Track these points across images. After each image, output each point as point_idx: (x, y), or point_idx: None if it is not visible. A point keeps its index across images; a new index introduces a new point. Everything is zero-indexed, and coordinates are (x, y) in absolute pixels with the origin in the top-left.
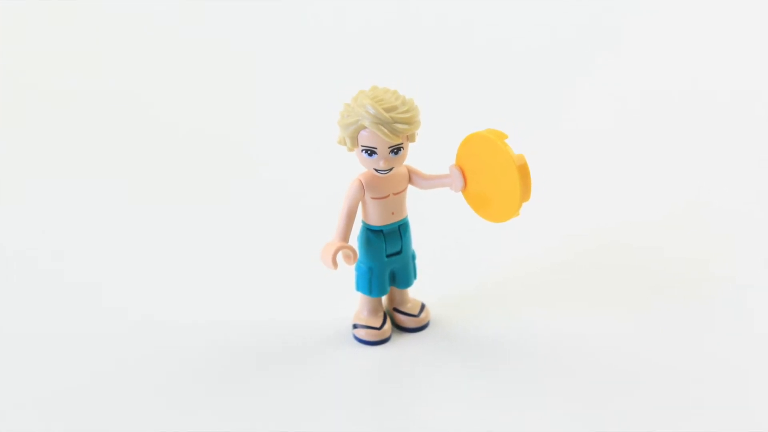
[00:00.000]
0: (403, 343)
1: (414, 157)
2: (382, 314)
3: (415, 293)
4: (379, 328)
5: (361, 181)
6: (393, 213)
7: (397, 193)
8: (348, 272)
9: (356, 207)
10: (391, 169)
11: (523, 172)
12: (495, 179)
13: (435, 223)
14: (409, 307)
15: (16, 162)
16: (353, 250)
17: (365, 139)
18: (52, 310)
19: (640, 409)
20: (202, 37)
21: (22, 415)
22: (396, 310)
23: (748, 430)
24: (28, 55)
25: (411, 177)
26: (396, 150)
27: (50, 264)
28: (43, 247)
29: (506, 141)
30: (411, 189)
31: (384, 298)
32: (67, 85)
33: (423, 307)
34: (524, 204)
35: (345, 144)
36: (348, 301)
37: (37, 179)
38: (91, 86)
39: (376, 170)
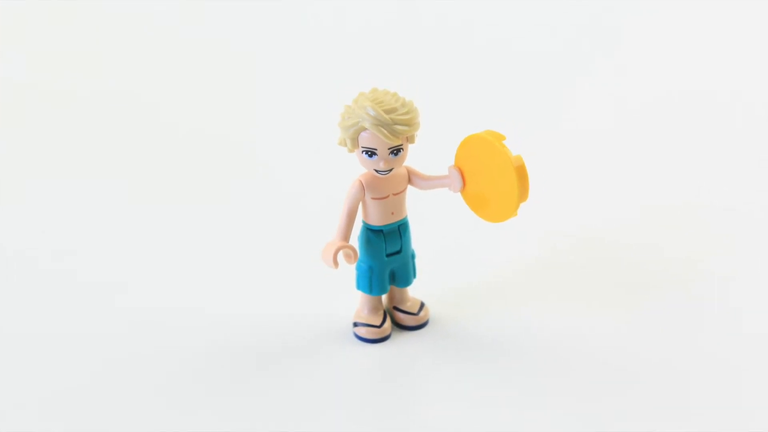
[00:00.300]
0: (402, 341)
1: (413, 158)
2: (382, 313)
3: (414, 292)
4: (379, 327)
5: (361, 181)
6: (393, 213)
7: (397, 194)
8: (348, 271)
9: (356, 207)
10: (390, 170)
11: (521, 173)
12: (493, 180)
13: (434, 223)
14: (408, 306)
15: (16, 162)
16: (354, 250)
17: (365, 140)
18: (51, 310)
19: (639, 407)
20: (202, 37)
21: (22, 415)
22: (396, 308)
23: (743, 426)
24: (28, 55)
25: (410, 178)
26: (396, 151)
27: (50, 264)
28: (43, 247)
29: (504, 142)
30: (410, 189)
31: (384, 297)
32: (67, 85)
33: (422, 305)
34: (522, 204)
35: (345, 145)
36: (348, 300)
37: (37, 179)
38: (91, 86)
39: (376, 171)
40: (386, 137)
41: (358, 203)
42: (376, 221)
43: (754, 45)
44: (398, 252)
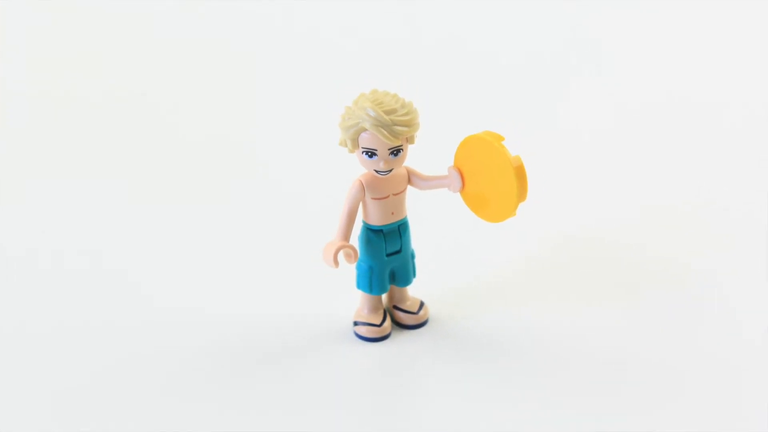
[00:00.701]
0: (402, 340)
1: (413, 158)
2: (382, 312)
3: (414, 291)
4: (379, 326)
5: (361, 181)
6: (393, 213)
7: (397, 194)
8: (349, 271)
9: (357, 207)
10: (390, 171)
11: (520, 173)
12: (492, 180)
13: (434, 222)
14: (408, 305)
15: (16, 162)
16: (354, 249)
17: (366, 141)
18: (51, 311)
19: (639, 406)
20: (202, 37)
21: (22, 415)
22: (396, 307)
23: (742, 425)
24: (28, 55)
25: (410, 178)
26: (395, 152)
27: (50, 264)
28: (43, 247)
29: (503, 143)
30: (410, 189)
31: (384, 296)
32: (67, 84)
33: (422, 304)
34: (521, 204)
35: (346, 146)
36: (348, 300)
37: (37, 179)
38: (91, 86)
39: (377, 171)
40: (386, 138)
41: (359, 203)
42: (376, 221)
43: (754, 45)
44: (398, 252)
